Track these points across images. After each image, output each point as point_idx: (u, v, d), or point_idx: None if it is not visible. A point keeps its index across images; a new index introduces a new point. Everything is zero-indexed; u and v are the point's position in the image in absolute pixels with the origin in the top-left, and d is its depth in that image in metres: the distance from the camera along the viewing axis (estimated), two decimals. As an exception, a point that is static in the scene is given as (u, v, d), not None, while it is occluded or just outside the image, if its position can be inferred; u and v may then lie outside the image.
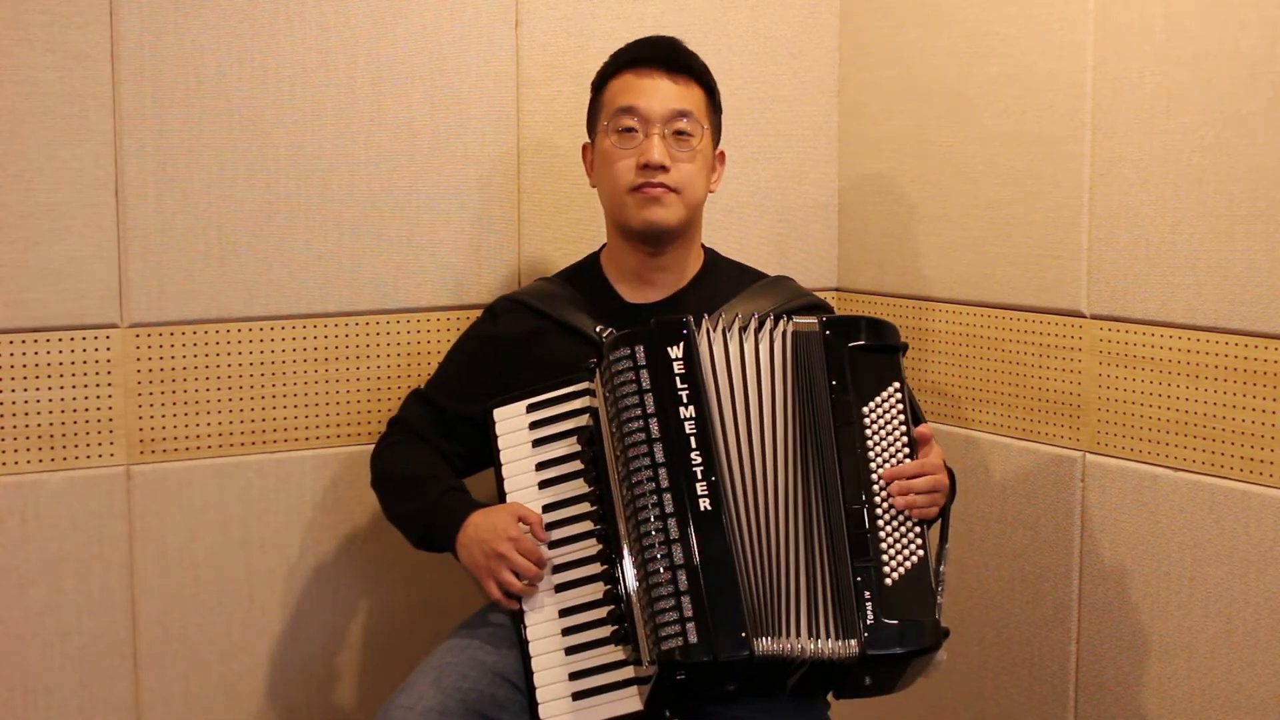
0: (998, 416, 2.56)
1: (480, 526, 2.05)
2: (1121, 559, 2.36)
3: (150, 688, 2.37)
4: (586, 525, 2.01)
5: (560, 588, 2.02)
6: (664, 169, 2.15)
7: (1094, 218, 2.37)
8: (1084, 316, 2.40)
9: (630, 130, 2.17)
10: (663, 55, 2.20)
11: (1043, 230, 2.45)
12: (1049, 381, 2.47)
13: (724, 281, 2.28)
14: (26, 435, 2.25)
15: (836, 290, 2.88)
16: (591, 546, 2.01)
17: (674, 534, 1.87)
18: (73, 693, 2.31)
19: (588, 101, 2.29)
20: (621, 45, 2.27)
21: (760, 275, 2.33)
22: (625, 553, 1.93)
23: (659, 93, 2.17)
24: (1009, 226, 2.51)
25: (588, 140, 2.30)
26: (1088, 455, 2.41)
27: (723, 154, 2.30)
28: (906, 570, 1.91)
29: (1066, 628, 2.46)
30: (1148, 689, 2.34)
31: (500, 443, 2.09)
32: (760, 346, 1.99)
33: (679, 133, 2.17)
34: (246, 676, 2.45)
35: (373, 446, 2.34)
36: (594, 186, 2.29)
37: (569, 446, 2.05)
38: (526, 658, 2.00)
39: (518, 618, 2.02)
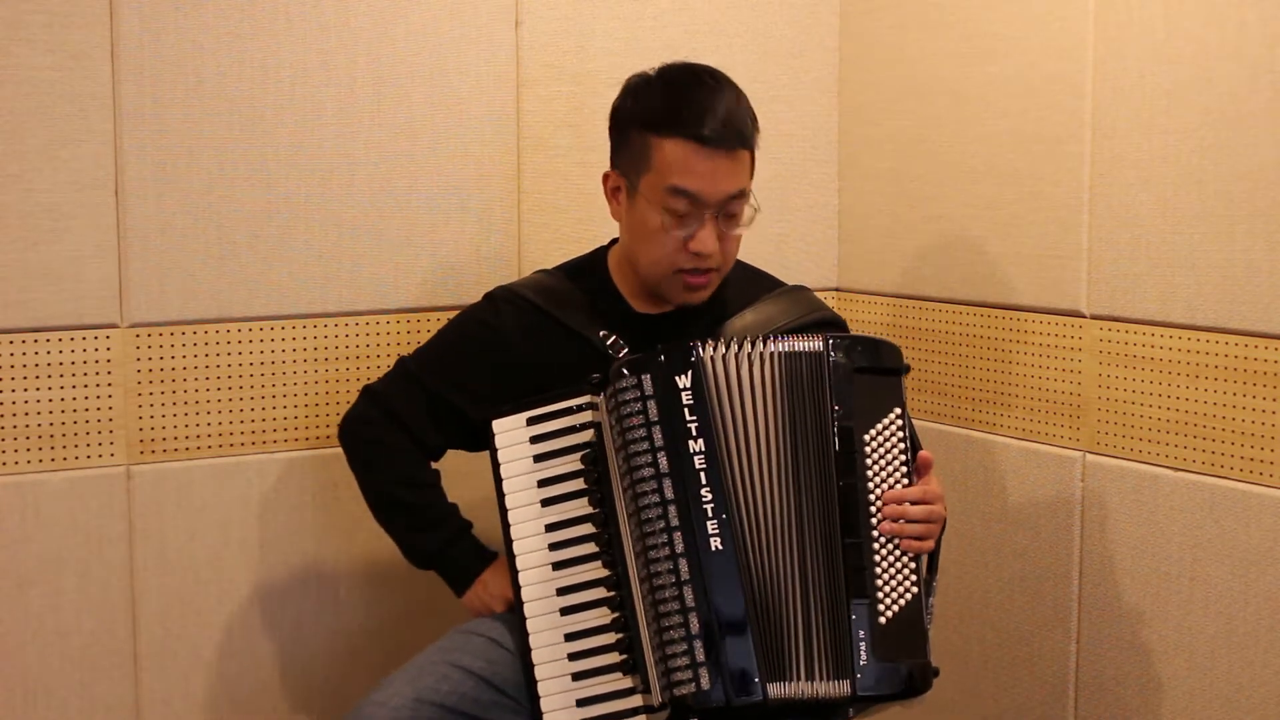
0: (998, 416, 2.56)
1: (489, 588, 2.16)
2: (1121, 559, 2.36)
3: (150, 688, 2.37)
4: (591, 547, 1.98)
5: (566, 611, 1.98)
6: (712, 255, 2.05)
7: (1094, 218, 2.37)
8: (1084, 316, 2.40)
9: (682, 212, 2.02)
10: (728, 136, 2.00)
11: (1043, 230, 2.45)
12: (1049, 381, 2.46)
13: (735, 290, 2.18)
14: (26, 435, 2.25)
15: (836, 290, 2.88)
16: (597, 569, 1.97)
17: (685, 575, 1.84)
18: (73, 693, 2.31)
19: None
20: (653, 66, 2.08)
21: (774, 282, 2.25)
22: (634, 585, 1.90)
23: (718, 177, 2.00)
24: (1009, 226, 2.51)
25: (609, 169, 2.11)
26: (1088, 455, 2.41)
27: None
28: (900, 608, 1.87)
29: (1066, 628, 2.45)
30: (1148, 689, 2.34)
31: (500, 456, 2.03)
32: (764, 370, 1.92)
33: (730, 214, 2.04)
34: (246, 676, 2.45)
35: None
36: (617, 220, 2.14)
37: (572, 464, 2.00)
38: (532, 681, 1.97)
39: (522, 635, 2.00)
